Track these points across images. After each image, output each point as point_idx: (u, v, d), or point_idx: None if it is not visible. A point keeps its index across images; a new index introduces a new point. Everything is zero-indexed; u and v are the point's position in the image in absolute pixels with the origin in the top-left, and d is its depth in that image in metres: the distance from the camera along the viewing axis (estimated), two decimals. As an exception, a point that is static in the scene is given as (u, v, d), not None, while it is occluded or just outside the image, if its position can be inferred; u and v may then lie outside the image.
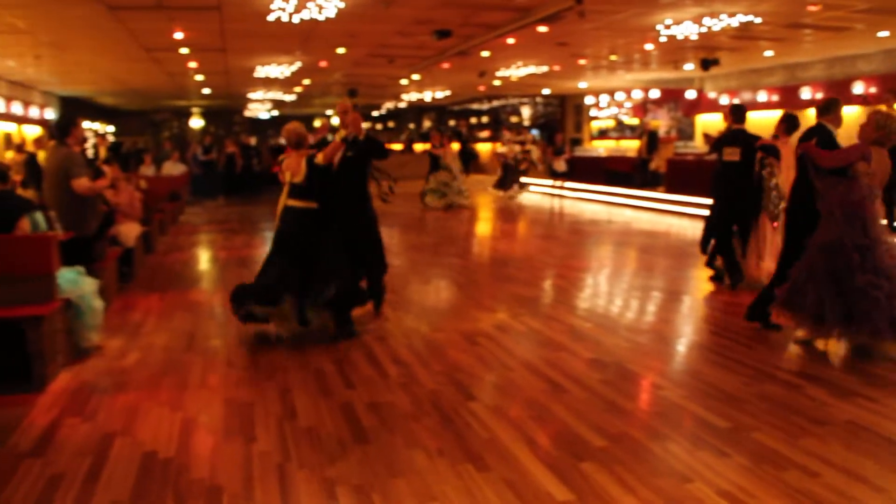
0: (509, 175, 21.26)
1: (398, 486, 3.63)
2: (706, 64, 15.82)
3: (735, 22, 12.10)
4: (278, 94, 25.87)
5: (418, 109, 35.14)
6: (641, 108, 23.13)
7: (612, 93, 24.52)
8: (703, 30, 12.60)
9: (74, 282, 5.94)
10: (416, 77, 20.66)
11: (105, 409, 4.78)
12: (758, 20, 12.19)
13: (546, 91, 26.90)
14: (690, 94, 21.42)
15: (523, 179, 21.81)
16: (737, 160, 7.83)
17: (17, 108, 19.03)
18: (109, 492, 3.62)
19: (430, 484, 3.65)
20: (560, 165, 20.45)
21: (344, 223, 6.64)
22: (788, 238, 6.20)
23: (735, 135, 7.96)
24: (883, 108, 6.14)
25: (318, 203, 6.39)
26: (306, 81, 21.47)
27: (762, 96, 19.16)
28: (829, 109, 6.21)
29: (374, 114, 37.07)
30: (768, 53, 16.74)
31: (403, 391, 5.00)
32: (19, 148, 15.25)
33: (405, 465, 3.85)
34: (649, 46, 15.28)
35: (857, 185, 5.53)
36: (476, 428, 4.35)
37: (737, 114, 8.01)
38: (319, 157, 6.31)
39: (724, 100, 20.22)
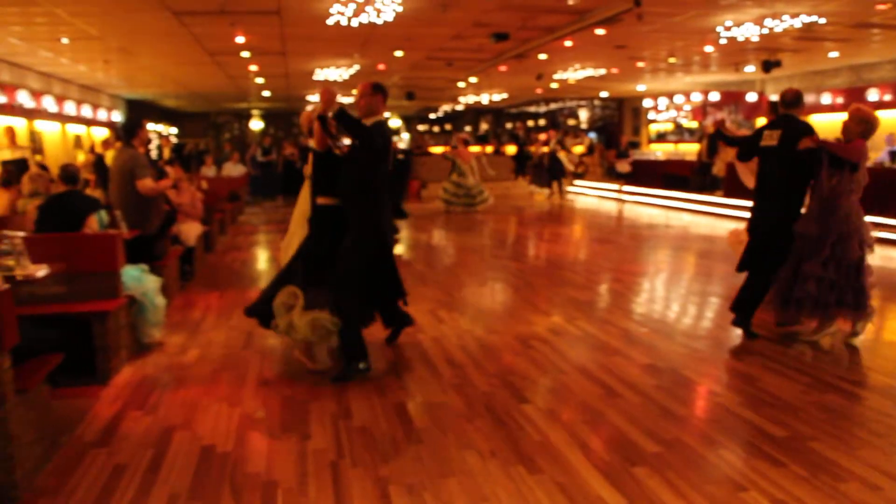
0: (546, 173, 21.23)
1: (450, 485, 3.66)
2: (767, 66, 15.53)
3: (798, 23, 11.86)
4: (336, 97, 26.16)
5: (475, 112, 35.19)
6: (701, 110, 22.81)
7: (670, 95, 24.22)
8: (765, 31, 12.38)
9: (138, 279, 6.13)
10: (473, 80, 20.71)
11: (166, 403, 4.92)
12: (822, 20, 11.93)
13: (604, 94, 26.72)
14: (751, 97, 21.04)
15: (578, 182, 21.71)
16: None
17: (86, 111, 19.65)
18: (169, 483, 3.73)
19: (482, 485, 3.67)
20: (624, 167, 20.28)
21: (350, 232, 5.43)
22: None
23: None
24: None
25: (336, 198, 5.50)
26: (364, 84, 21.68)
27: (826, 98, 18.72)
28: (798, 102, 6.36)
29: (431, 116, 37.26)
30: (833, 55, 16.36)
31: (457, 392, 5.03)
32: (91, 150, 15.77)
33: (457, 466, 3.88)
34: (709, 48, 15.07)
35: (853, 178, 5.93)
36: (528, 431, 4.35)
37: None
38: (311, 142, 5.72)
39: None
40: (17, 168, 10.63)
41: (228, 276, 9.74)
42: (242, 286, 8.99)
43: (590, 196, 22.31)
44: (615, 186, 20.73)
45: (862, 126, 6.02)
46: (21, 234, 4.91)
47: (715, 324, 7.08)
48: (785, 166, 6.19)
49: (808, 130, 6.18)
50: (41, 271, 4.77)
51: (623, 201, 19.96)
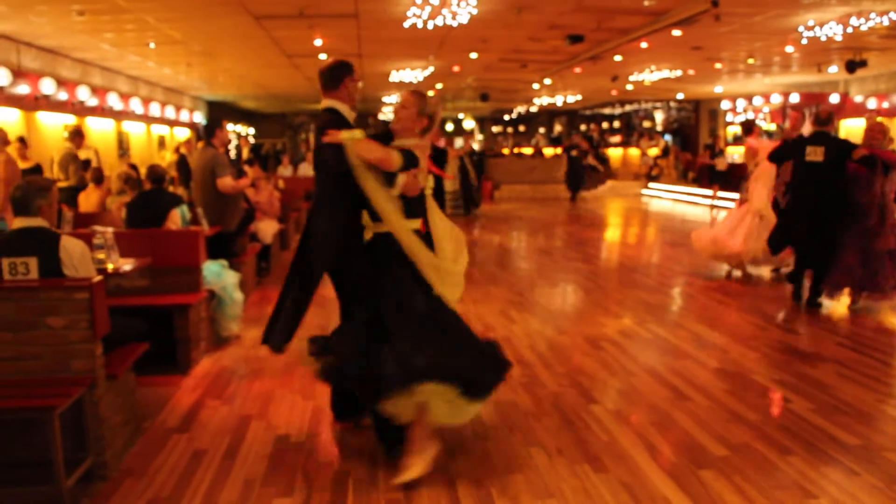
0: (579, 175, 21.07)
1: (516, 481, 3.72)
2: (852, 66, 15.04)
3: (886, 20, 11.46)
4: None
5: (549, 114, 35.05)
6: (780, 112, 22.23)
7: (749, 97, 23.68)
8: (850, 30, 12.01)
9: (218, 274, 6.37)
10: (547, 81, 20.64)
11: (242, 394, 5.10)
12: (912, 18, 11.52)
13: (680, 95, 26.29)
14: (834, 98, 20.39)
15: (653, 185, 21.38)
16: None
17: (170, 112, 20.33)
18: (245, 469, 3.89)
19: (548, 482, 3.71)
20: (722, 164, 19.85)
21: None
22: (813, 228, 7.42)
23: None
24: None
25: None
26: (439, 86, 21.87)
27: (915, 100, 18.03)
28: (831, 121, 7.60)
29: (506, 118, 37.26)
30: (923, 54, 15.76)
31: (525, 391, 5.08)
32: (176, 149, 16.36)
33: (523, 462, 3.93)
34: (789, 49, 14.69)
35: (888, 181, 7.18)
36: (596, 430, 4.38)
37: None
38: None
39: (872, 103, 19.14)
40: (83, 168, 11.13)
41: (303, 273, 9.95)
42: (316, 283, 9.18)
43: (665, 199, 21.99)
44: (699, 190, 20.09)
45: (883, 136, 7.44)
46: (111, 229, 5.17)
47: (787, 328, 6.95)
48: (830, 179, 7.32)
49: (848, 144, 7.45)
50: (129, 265, 5.02)
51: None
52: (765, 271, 9.41)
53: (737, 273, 9.27)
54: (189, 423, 4.56)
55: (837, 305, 7.68)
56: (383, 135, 4.09)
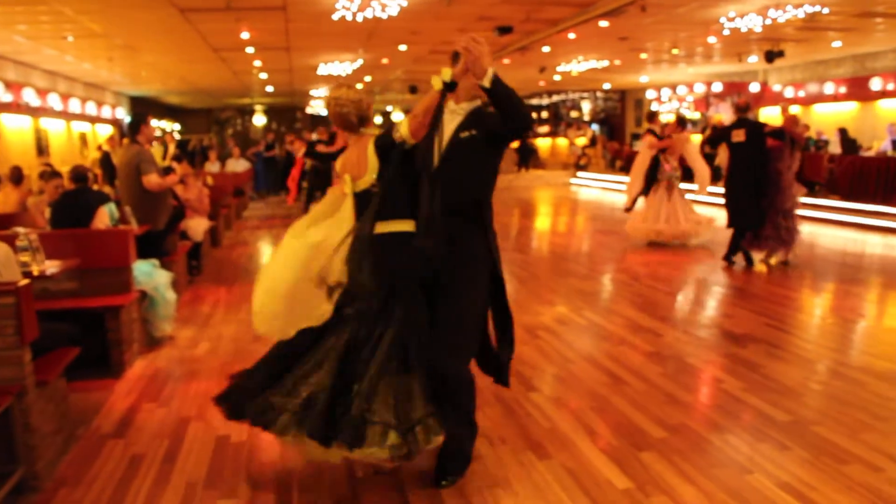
0: None
1: (461, 472, 3.73)
2: (770, 56, 15.51)
3: (801, 13, 11.87)
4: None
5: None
6: (704, 101, 22.81)
7: (673, 87, 24.21)
8: (768, 21, 12.39)
9: (149, 274, 6.23)
10: (476, 73, 20.72)
11: (179, 395, 5.00)
12: (825, 10, 11.94)
13: (607, 86, 26.73)
14: (754, 87, 21.03)
15: (581, 174, 21.61)
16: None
17: (91, 109, 19.72)
18: (186, 472, 3.82)
19: (493, 471, 3.74)
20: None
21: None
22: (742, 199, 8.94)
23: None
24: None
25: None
26: (368, 78, 21.73)
27: (829, 88, 18.70)
28: (749, 108, 9.18)
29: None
30: (836, 44, 16.36)
31: (465, 382, 5.10)
32: (99, 147, 15.89)
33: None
34: (712, 39, 15.08)
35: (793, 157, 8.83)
36: (537, 418, 4.43)
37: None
38: (404, 129, 3.53)
39: (790, 92, 19.81)
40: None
41: (235, 270, 9.82)
42: (249, 280, 8.98)
43: (593, 188, 22.34)
44: (627, 178, 20.46)
45: (796, 124, 9.00)
46: (36, 230, 5.00)
47: (717, 312, 7.16)
48: (752, 155, 8.79)
49: (761, 123, 9.19)
50: (55, 267, 4.86)
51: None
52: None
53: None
54: (125, 427, 4.45)
55: (771, 293, 7.95)
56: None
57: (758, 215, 8.74)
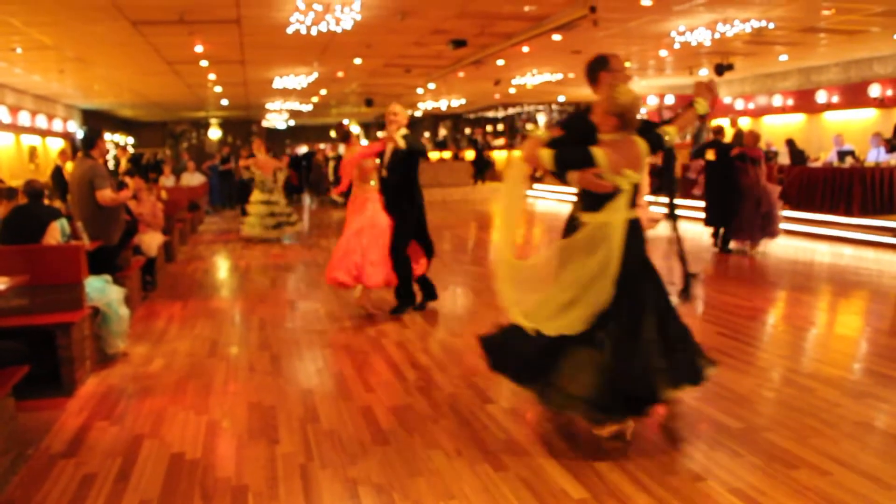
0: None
1: (418, 484, 3.74)
2: (720, 69, 15.87)
3: (748, 27, 12.17)
4: (295, 104, 26.13)
5: (434, 118, 35.33)
6: (657, 114, 23.18)
7: (627, 99, 24.57)
8: (717, 36, 12.67)
9: (102, 290, 6.13)
10: (431, 86, 20.84)
11: (133, 413, 4.93)
12: (771, 25, 12.27)
13: (561, 98, 27.01)
14: (705, 100, 21.43)
15: (537, 186, 21.77)
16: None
17: (41, 122, 19.37)
18: (139, 491, 3.76)
19: (449, 483, 3.75)
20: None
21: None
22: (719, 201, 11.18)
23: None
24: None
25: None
26: (323, 91, 21.72)
27: (777, 100, 19.18)
28: (719, 132, 11.82)
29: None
30: (783, 58, 16.79)
31: (422, 394, 5.11)
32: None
33: (424, 465, 3.96)
34: (663, 53, 15.38)
35: (758, 169, 10.94)
36: (493, 429, 4.45)
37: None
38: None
39: (740, 104, 20.24)
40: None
41: (190, 285, 9.71)
42: (204, 295, 8.98)
43: (550, 199, 22.53)
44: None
45: (755, 141, 11.15)
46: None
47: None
48: (721, 170, 11.04)
49: (728, 146, 11.25)
50: (4, 283, 4.76)
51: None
52: None
53: None
54: (76, 446, 4.36)
55: (718, 300, 8.09)
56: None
57: (728, 216, 11.00)
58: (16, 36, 11.62)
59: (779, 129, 18.97)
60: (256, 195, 13.77)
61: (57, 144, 20.68)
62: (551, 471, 3.86)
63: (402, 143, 7.04)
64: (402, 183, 7.26)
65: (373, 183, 7.50)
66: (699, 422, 4.51)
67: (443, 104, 27.11)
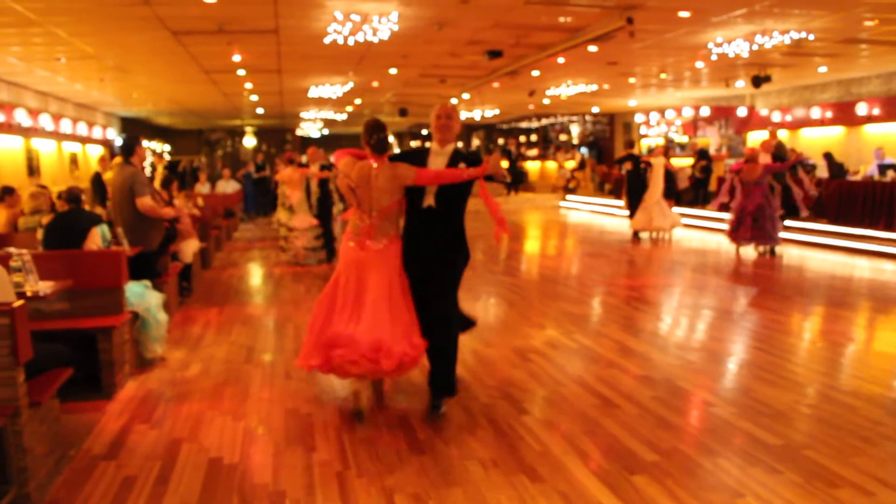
0: None
1: (454, 494, 3.74)
2: (757, 81, 15.69)
3: (787, 39, 12.04)
4: (329, 114, 26.31)
5: (467, 128, 35.38)
6: (692, 125, 22.99)
7: (661, 111, 24.41)
8: (755, 47, 12.55)
9: (141, 295, 6.22)
10: (465, 96, 20.86)
11: (171, 417, 4.99)
12: (811, 37, 12.11)
13: (595, 109, 26.91)
14: (741, 112, 21.21)
15: (570, 197, 21.72)
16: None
17: (82, 129, 19.71)
18: (179, 494, 3.80)
19: (485, 493, 3.75)
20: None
21: None
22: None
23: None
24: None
25: None
26: (358, 101, 21.83)
27: (816, 112, 18.90)
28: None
29: (424, 132, 37.42)
30: (822, 69, 16.56)
31: (458, 404, 5.11)
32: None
33: (460, 476, 3.96)
34: (700, 64, 15.24)
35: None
36: (529, 441, 4.44)
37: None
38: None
39: (777, 116, 20.00)
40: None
41: (226, 291, 9.81)
42: (240, 302, 9.06)
43: (582, 211, 22.45)
44: (615, 202, 20.53)
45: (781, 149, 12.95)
46: (29, 251, 4.99)
47: (707, 336, 7.19)
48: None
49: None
50: (49, 288, 4.85)
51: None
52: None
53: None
54: (117, 449, 4.43)
55: (761, 317, 8.00)
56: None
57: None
58: (61, 46, 11.85)
59: (817, 141, 18.70)
60: (281, 216, 12.22)
61: (96, 151, 21.00)
62: (588, 484, 3.84)
63: (506, 176, 4.98)
64: (450, 218, 5.07)
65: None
66: (736, 437, 4.46)
67: (476, 114, 27.13)
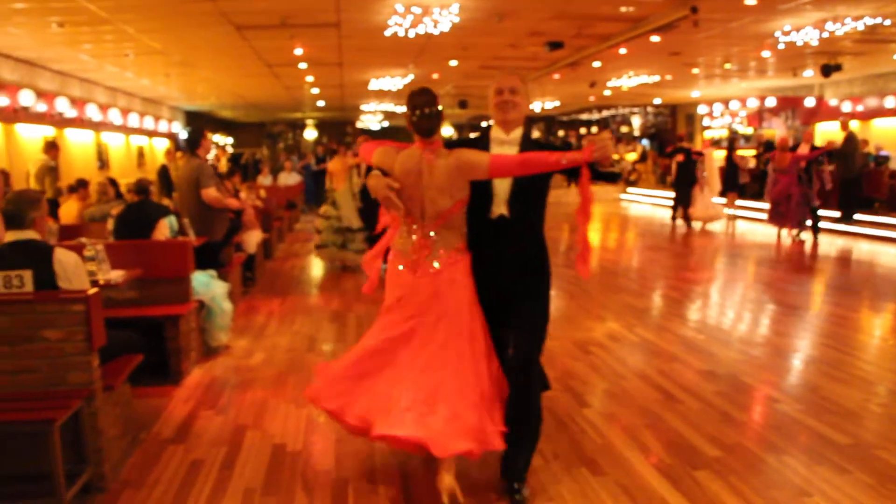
0: None
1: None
2: (827, 70, 15.27)
3: (861, 25, 11.67)
4: (389, 106, 26.48)
5: (527, 120, 35.23)
6: (757, 116, 22.48)
7: (725, 102, 23.94)
8: (825, 35, 12.21)
9: (207, 284, 6.36)
10: (526, 88, 20.77)
11: (236, 404, 5.10)
12: (887, 22, 11.71)
13: (657, 100, 26.55)
14: (809, 102, 20.63)
15: (631, 190, 21.43)
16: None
17: (148, 123, 20.23)
18: (244, 479, 3.89)
19: (547, 485, 3.75)
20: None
21: None
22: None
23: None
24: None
25: None
26: (417, 93, 21.90)
27: (890, 102, 18.27)
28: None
29: (483, 124, 37.39)
30: (896, 57, 16.03)
31: (517, 396, 5.10)
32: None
33: (520, 467, 3.96)
34: (766, 53, 14.90)
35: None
36: (590, 434, 4.42)
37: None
38: None
39: (847, 106, 19.41)
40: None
41: (288, 282, 9.97)
42: (301, 292, 9.20)
43: (643, 203, 22.17)
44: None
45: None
46: (102, 241, 5.16)
47: (772, 331, 7.04)
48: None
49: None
50: (120, 276, 5.01)
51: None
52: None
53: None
54: (184, 433, 4.55)
55: (827, 312, 7.81)
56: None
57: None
58: (129, 42, 12.18)
59: (891, 132, 18.12)
60: (324, 209, 10.86)
61: (162, 144, 21.55)
62: (650, 478, 3.81)
63: (615, 163, 3.76)
64: (531, 230, 3.82)
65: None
66: (802, 435, 4.37)
67: (536, 106, 26.98)
